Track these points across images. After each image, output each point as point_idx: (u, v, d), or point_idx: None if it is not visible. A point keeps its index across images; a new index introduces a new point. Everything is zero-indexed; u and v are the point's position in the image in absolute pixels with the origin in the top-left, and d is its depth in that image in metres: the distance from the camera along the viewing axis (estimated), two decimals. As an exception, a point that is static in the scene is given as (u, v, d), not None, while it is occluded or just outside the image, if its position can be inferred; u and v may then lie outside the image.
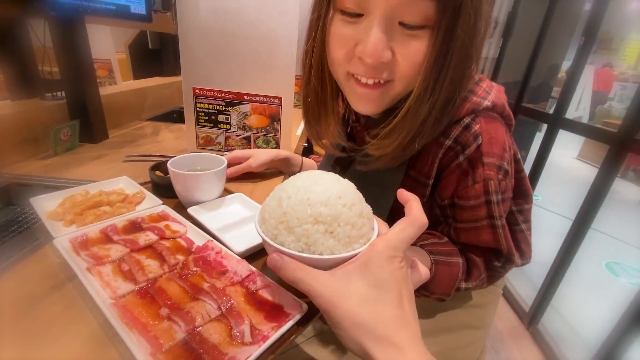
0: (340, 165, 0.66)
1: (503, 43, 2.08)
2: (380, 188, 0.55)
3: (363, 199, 0.41)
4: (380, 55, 0.42)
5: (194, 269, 0.44)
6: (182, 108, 1.59)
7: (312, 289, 0.33)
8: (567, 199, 2.31)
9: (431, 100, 0.44)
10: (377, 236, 0.38)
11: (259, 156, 0.80)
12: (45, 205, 0.55)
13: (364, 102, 0.49)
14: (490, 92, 0.50)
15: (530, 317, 1.55)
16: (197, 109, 0.95)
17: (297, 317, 0.37)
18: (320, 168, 0.74)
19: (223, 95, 0.93)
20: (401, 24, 0.41)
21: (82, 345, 0.36)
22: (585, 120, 4.70)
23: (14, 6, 0.78)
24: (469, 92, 0.49)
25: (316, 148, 1.72)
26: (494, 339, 1.50)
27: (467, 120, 0.48)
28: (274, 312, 0.38)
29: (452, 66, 0.42)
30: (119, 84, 1.44)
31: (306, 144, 1.65)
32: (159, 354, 0.32)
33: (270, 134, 0.98)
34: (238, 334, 0.35)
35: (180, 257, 0.46)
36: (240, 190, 0.68)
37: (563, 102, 1.49)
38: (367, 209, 0.41)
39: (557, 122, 1.49)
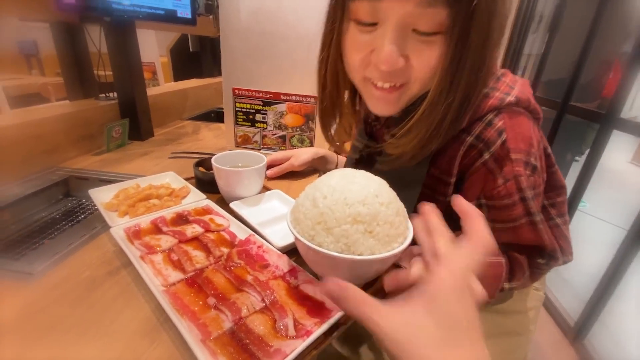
0: (361, 165, 0.66)
1: (549, 38, 1.96)
2: (402, 187, 0.53)
3: (397, 197, 0.41)
4: (394, 63, 0.42)
5: (238, 261, 0.45)
6: (220, 108, 1.67)
7: (380, 329, 0.28)
8: (619, 206, 2.13)
9: (447, 100, 0.44)
10: (439, 261, 0.31)
11: (299, 155, 0.82)
12: (102, 196, 0.59)
13: (381, 105, 0.50)
14: (513, 87, 0.49)
15: (576, 332, 1.44)
16: (236, 108, 0.98)
17: (339, 314, 0.37)
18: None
19: (261, 95, 0.95)
20: (415, 31, 0.41)
21: (135, 329, 0.38)
22: (640, 121, 4.30)
23: (73, 13, 0.85)
24: (490, 89, 0.48)
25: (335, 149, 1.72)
26: (534, 352, 1.42)
27: (489, 116, 0.47)
28: (316, 308, 0.38)
29: (468, 67, 0.42)
30: (161, 85, 1.52)
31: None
32: (208, 341, 0.34)
33: (305, 133, 0.99)
34: (282, 327, 0.35)
35: (225, 250, 0.48)
36: (277, 187, 0.69)
37: (617, 101, 1.37)
38: (402, 206, 0.40)
39: (611, 122, 1.38)
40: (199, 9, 1.00)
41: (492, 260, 0.48)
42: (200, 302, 0.39)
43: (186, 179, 0.68)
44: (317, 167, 0.89)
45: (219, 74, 1.89)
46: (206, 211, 0.58)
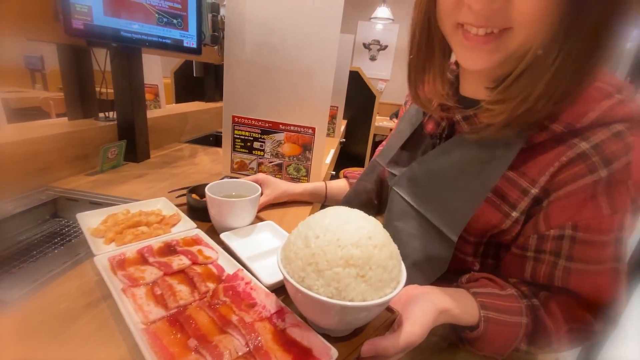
0: (436, 138, 0.56)
1: None
2: (472, 180, 0.45)
3: (391, 239, 0.39)
4: (489, 3, 0.35)
5: (224, 298, 0.44)
6: (219, 132, 1.68)
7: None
8: None
9: (560, 54, 0.34)
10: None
11: (275, 188, 0.81)
12: (89, 221, 0.58)
13: (473, 56, 0.42)
14: None
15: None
16: (235, 135, 0.98)
17: None
18: (391, 147, 0.64)
19: (260, 123, 0.96)
20: None
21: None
22: None
23: (83, 38, 0.87)
24: (626, 96, 0.38)
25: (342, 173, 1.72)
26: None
27: (619, 127, 0.37)
28: (303, 355, 0.36)
29: (595, 11, 0.32)
30: (162, 107, 1.53)
31: (334, 172, 1.66)
32: None
33: (302, 162, 1.00)
34: None
35: (211, 285, 0.46)
36: (270, 217, 0.68)
37: None
38: (395, 248, 0.39)
39: None
40: (204, 39, 1.04)
41: (508, 320, 0.42)
42: (181, 344, 0.37)
43: (178, 205, 0.67)
44: (306, 200, 0.88)
45: (221, 98, 1.93)
46: (195, 241, 0.56)
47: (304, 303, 0.37)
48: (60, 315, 0.43)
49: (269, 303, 0.43)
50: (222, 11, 1.11)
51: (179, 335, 0.38)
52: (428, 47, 0.49)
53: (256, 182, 0.81)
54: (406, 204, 0.53)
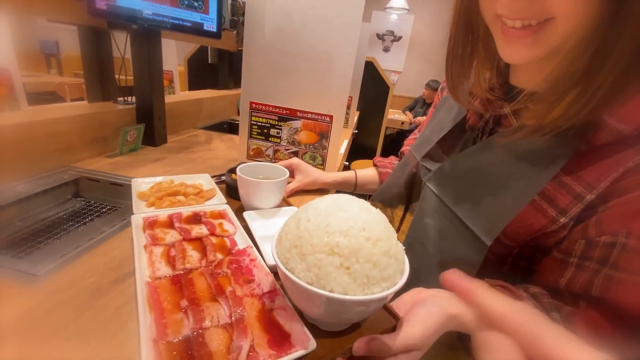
0: (478, 131, 0.53)
1: None
2: (517, 181, 0.42)
3: (394, 235, 0.36)
4: None
5: (226, 270, 0.45)
6: (233, 120, 1.68)
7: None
8: None
9: (620, 42, 0.31)
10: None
11: (307, 174, 0.81)
12: (139, 186, 0.64)
13: (511, 49, 0.39)
14: None
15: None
16: (252, 121, 0.98)
17: (300, 353, 0.34)
18: (426, 140, 0.61)
19: (277, 110, 0.96)
20: None
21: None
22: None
23: (103, 19, 0.87)
24: None
25: (354, 164, 1.72)
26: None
27: None
28: (280, 338, 0.36)
29: None
30: (177, 93, 1.54)
31: (347, 163, 1.65)
32: (160, 343, 0.34)
33: (318, 151, 0.99)
34: (235, 349, 0.34)
35: (219, 256, 0.48)
36: (299, 203, 0.69)
37: None
38: (397, 247, 0.36)
39: None
40: (224, 23, 1.03)
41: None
42: (174, 302, 0.39)
43: (218, 184, 0.70)
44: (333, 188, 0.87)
45: (234, 86, 1.92)
46: (221, 215, 0.58)
47: (286, 284, 0.36)
48: (88, 289, 0.44)
49: (265, 282, 0.43)
50: (242, -5, 1.10)
51: (176, 294, 0.40)
52: (471, 38, 0.46)
53: (289, 166, 0.81)
54: (438, 201, 0.51)
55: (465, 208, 0.47)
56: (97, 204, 0.77)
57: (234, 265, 0.46)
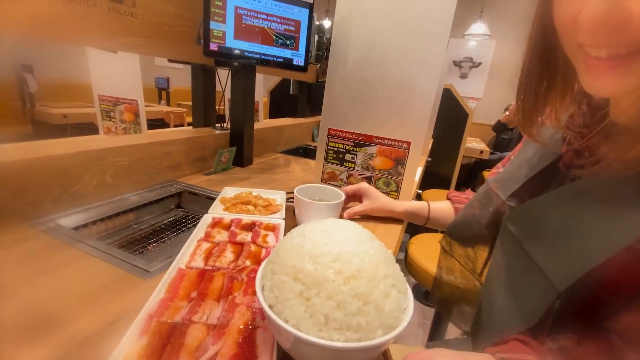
0: (554, 178, 0.49)
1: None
2: (615, 223, 0.36)
3: (380, 279, 0.30)
4: (604, 17, 0.29)
5: (243, 277, 0.47)
6: (308, 145, 1.78)
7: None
8: None
9: None
10: None
11: (376, 199, 0.81)
12: (226, 192, 0.76)
13: (596, 81, 0.34)
14: None
15: None
16: (329, 146, 1.03)
17: None
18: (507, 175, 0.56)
19: (354, 136, 0.99)
20: None
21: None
22: None
23: (213, 58, 1.03)
24: None
25: (425, 194, 1.64)
26: None
27: None
28: (245, 358, 0.34)
29: None
30: (260, 121, 1.70)
31: (420, 191, 1.60)
32: (153, 320, 0.36)
33: (393, 177, 0.98)
34: (202, 349, 0.34)
35: (248, 263, 0.51)
36: (368, 227, 0.69)
37: None
38: (381, 296, 0.29)
39: None
40: (310, 58, 1.12)
41: None
42: (187, 291, 0.42)
43: (288, 200, 0.76)
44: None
45: (311, 114, 2.05)
46: (274, 228, 0.62)
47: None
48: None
49: None
50: (327, 33, 1.20)
51: (194, 285, 0.44)
52: (548, 71, 0.42)
53: (357, 190, 0.83)
54: (513, 240, 0.45)
55: (541, 251, 0.40)
56: (194, 214, 0.87)
57: (253, 274, 0.47)
